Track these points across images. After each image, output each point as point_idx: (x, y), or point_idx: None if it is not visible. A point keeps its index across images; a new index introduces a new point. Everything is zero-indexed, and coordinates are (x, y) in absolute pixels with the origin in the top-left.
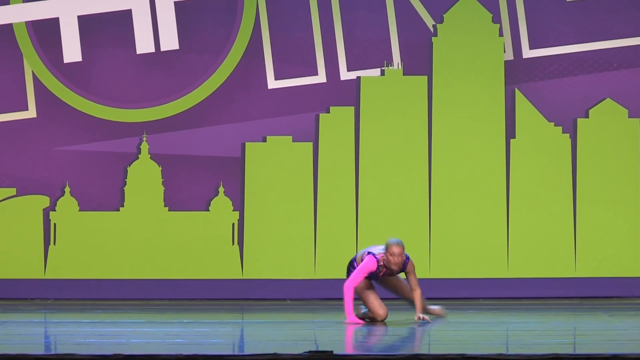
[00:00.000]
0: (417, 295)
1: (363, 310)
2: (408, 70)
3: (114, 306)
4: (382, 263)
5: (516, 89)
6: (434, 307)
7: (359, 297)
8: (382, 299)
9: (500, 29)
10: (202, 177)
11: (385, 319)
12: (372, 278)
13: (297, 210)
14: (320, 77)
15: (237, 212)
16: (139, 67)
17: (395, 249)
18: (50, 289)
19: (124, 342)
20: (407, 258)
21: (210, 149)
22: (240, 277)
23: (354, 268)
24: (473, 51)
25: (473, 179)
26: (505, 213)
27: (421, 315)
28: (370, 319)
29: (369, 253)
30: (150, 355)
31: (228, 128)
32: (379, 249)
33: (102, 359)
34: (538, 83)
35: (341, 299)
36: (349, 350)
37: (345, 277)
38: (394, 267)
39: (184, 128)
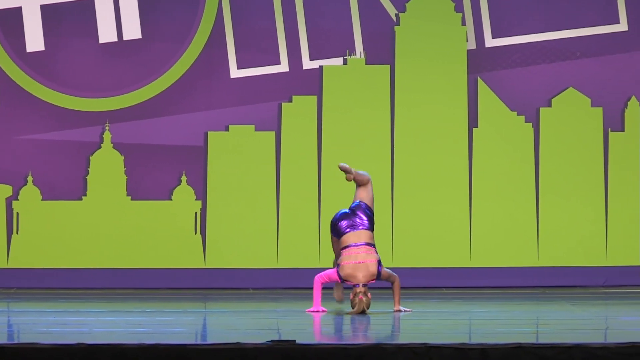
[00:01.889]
0: (394, 286)
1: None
2: (371, 59)
3: (77, 295)
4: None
5: (479, 78)
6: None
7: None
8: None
9: (463, 18)
10: (164, 166)
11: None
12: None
13: (260, 200)
14: (283, 67)
15: (200, 201)
16: (102, 56)
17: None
18: (13, 278)
19: (87, 331)
20: (379, 265)
21: (172, 138)
22: (202, 266)
23: (336, 229)
24: (436, 40)
25: (435, 168)
26: (467, 202)
27: (395, 309)
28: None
29: (337, 265)
30: (113, 345)
31: (190, 117)
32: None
33: (65, 348)
34: (500, 72)
35: (304, 288)
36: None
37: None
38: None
39: (146, 117)
